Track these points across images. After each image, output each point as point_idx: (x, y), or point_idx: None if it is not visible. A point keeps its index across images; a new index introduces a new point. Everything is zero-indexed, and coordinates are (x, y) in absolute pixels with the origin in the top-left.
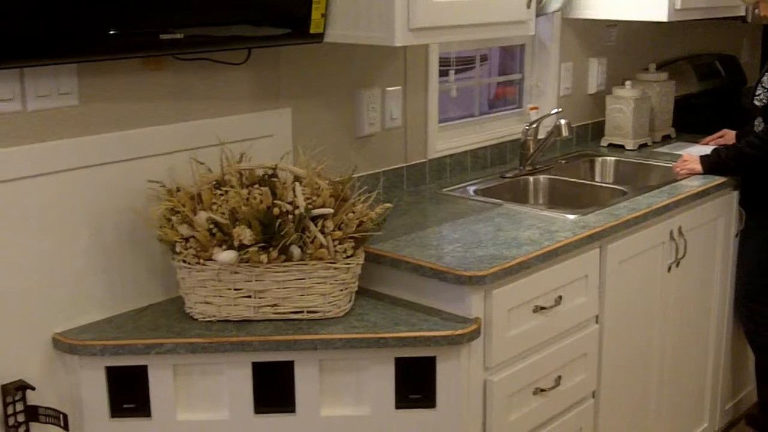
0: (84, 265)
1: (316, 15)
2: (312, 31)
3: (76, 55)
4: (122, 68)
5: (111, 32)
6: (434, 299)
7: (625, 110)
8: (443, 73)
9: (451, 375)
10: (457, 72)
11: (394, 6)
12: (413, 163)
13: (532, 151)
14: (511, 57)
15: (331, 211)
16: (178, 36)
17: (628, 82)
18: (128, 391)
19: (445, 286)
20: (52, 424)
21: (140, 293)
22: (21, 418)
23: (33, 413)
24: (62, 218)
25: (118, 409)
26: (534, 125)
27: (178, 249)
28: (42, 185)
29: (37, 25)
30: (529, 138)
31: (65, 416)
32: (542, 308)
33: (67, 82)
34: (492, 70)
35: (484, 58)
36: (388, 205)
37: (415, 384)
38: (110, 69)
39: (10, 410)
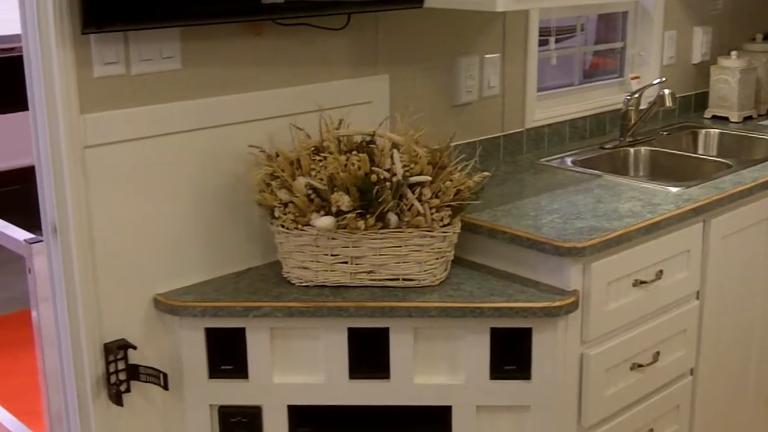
0: (185, 228)
1: None
2: None
3: (178, 19)
4: (224, 33)
5: None
6: (531, 270)
7: (730, 81)
8: (542, 43)
9: (548, 347)
10: (556, 41)
11: None
12: (510, 132)
13: (633, 121)
14: (606, 26)
15: (429, 178)
16: (280, 1)
17: (733, 53)
18: (226, 353)
19: (543, 257)
20: (152, 383)
21: (239, 257)
22: (122, 376)
23: (134, 372)
24: (164, 181)
25: (216, 370)
26: (635, 95)
27: (276, 214)
28: (145, 148)
29: None
30: (630, 108)
31: (165, 375)
32: (642, 282)
33: (169, 46)
34: (588, 40)
35: (574, 29)
36: (487, 173)
37: (510, 355)
38: (212, 34)
39: (112, 368)
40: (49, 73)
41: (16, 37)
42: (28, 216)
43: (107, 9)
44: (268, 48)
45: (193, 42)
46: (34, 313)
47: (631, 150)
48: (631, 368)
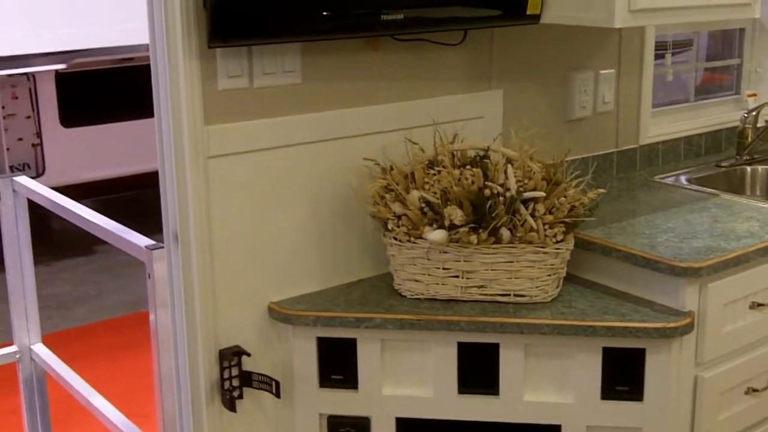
0: (300, 238)
1: None
2: (529, 12)
3: (300, 34)
4: (343, 48)
5: (335, 13)
6: (645, 290)
7: None
8: (656, 57)
9: (661, 369)
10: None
11: None
12: (624, 148)
13: (750, 139)
14: (720, 40)
15: (543, 194)
16: (399, 17)
17: None
18: (337, 362)
19: (657, 276)
20: (264, 390)
21: (351, 268)
22: (236, 382)
23: (247, 378)
24: (282, 191)
25: (326, 379)
26: (753, 113)
27: (390, 226)
28: (264, 159)
29: (266, 6)
30: (747, 126)
31: (277, 383)
32: (759, 305)
33: (291, 60)
34: (699, 54)
35: (689, 43)
36: (601, 190)
37: (622, 375)
38: (332, 49)
39: (226, 374)
40: (175, 85)
41: (135, 48)
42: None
43: (233, 24)
44: (385, 63)
45: (313, 56)
46: (151, 317)
47: (748, 168)
48: (746, 392)
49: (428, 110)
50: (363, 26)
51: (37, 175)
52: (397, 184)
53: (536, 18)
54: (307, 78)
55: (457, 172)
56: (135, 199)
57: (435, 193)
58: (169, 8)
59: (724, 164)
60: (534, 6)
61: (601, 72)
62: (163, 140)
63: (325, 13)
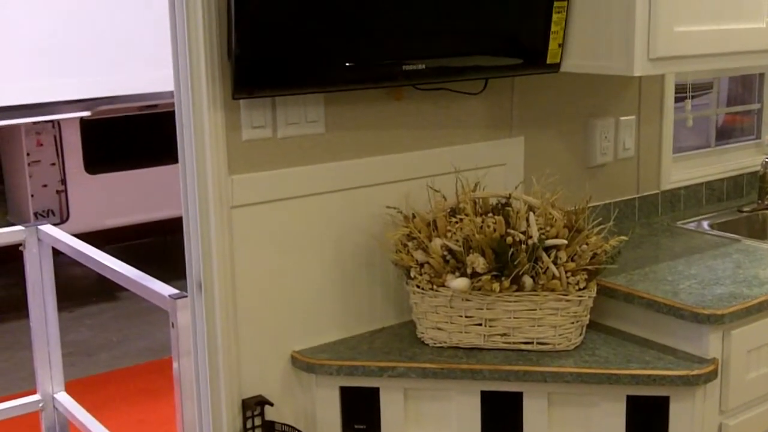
0: (323, 287)
1: (553, 45)
2: (549, 61)
3: (324, 85)
4: (365, 98)
5: (358, 64)
6: (669, 337)
7: None
8: (677, 100)
9: (685, 417)
10: (693, 97)
11: (634, 36)
12: (646, 194)
13: None
14: (740, 82)
15: (565, 242)
16: (421, 67)
17: None
18: (360, 411)
19: (680, 323)
20: None
21: (374, 316)
22: None
23: (270, 428)
24: (305, 240)
25: (350, 429)
26: None
27: (412, 274)
28: (287, 208)
29: (290, 57)
30: None
31: None
32: None
33: (314, 110)
34: (720, 96)
35: (709, 86)
36: (623, 237)
37: (646, 423)
38: (355, 99)
39: (249, 424)
40: (200, 135)
41: (159, 95)
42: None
43: (258, 76)
44: (408, 112)
45: (336, 106)
46: (175, 366)
47: None
48: None
49: (450, 158)
50: (385, 76)
51: (61, 222)
52: (420, 232)
53: (556, 67)
54: (330, 127)
55: (479, 219)
56: (158, 244)
57: (457, 240)
58: (195, 60)
59: (745, 209)
60: (554, 55)
61: (622, 118)
62: (187, 190)
63: (347, 64)
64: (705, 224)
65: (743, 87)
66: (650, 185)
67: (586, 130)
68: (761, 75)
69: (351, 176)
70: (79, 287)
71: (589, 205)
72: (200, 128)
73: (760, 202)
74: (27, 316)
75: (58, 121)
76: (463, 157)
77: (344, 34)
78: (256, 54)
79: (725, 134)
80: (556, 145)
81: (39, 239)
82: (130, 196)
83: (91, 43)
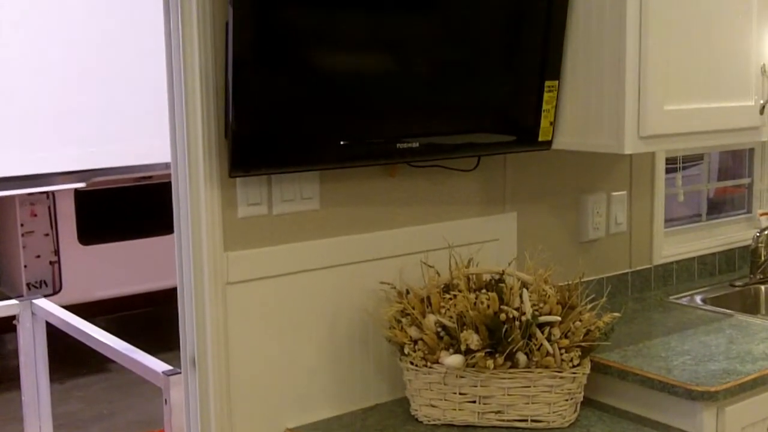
0: (317, 363)
1: (544, 123)
2: (540, 138)
3: (319, 163)
4: (360, 174)
5: (353, 142)
6: (663, 413)
7: None
8: (668, 171)
9: None
10: (683, 168)
11: (624, 114)
12: (638, 268)
13: (763, 258)
14: (729, 154)
15: (558, 319)
16: (415, 145)
17: None
18: None
19: (675, 400)
20: None
21: (368, 392)
22: None
23: None
24: (299, 316)
25: None
26: (765, 232)
27: (406, 351)
28: (282, 285)
29: (286, 137)
30: (760, 245)
31: None
32: None
33: (309, 187)
34: (712, 167)
35: (700, 157)
36: (616, 314)
37: None
38: (349, 176)
39: None
40: (196, 212)
41: (153, 166)
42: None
43: (254, 155)
44: (402, 188)
45: (331, 183)
46: None
47: (762, 288)
48: None
49: (444, 233)
50: (380, 154)
51: (53, 293)
52: (414, 308)
53: (548, 144)
54: (325, 204)
55: (472, 296)
56: (150, 315)
57: (451, 317)
58: (192, 138)
59: (738, 283)
60: (545, 133)
61: (614, 194)
62: (182, 266)
63: (342, 143)
64: (698, 299)
65: (734, 158)
66: (643, 260)
67: (578, 206)
68: (751, 150)
69: (345, 252)
70: (69, 358)
71: (582, 281)
72: (196, 205)
73: (752, 276)
74: (17, 387)
75: (53, 192)
76: (456, 233)
77: (339, 113)
78: (252, 133)
79: (717, 205)
80: (549, 221)
81: (33, 313)
82: (123, 267)
83: (86, 114)
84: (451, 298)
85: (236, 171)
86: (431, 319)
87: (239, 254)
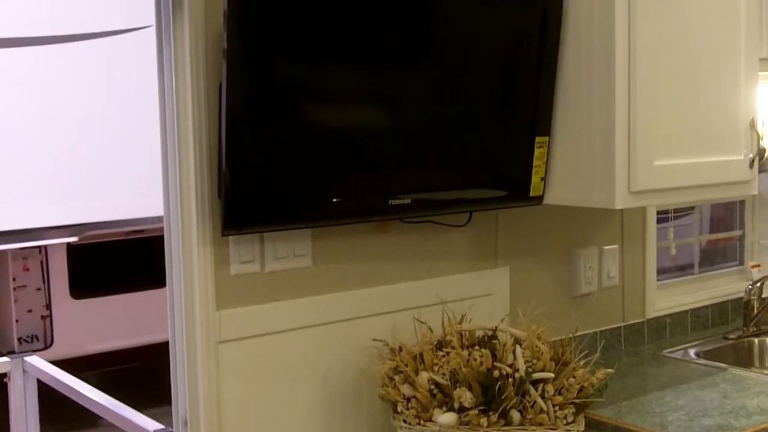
0: (310, 421)
1: (535, 179)
2: (532, 194)
3: (312, 220)
4: (352, 231)
5: (345, 199)
6: None
7: None
8: (660, 220)
9: None
10: (674, 218)
11: (615, 170)
12: (631, 322)
13: (756, 311)
14: (721, 204)
15: (552, 375)
16: (407, 201)
17: None
18: None
19: None
20: None
21: None
22: None
23: None
24: (292, 374)
25: None
26: (757, 284)
27: (399, 408)
28: (274, 343)
29: (279, 195)
30: (752, 297)
31: None
32: None
33: (302, 244)
34: (704, 216)
35: (691, 207)
36: (610, 370)
37: None
38: (342, 232)
39: None
40: (189, 271)
41: (145, 220)
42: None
43: (247, 213)
44: (394, 244)
45: (324, 240)
46: None
47: (756, 340)
48: None
49: (436, 289)
50: (372, 211)
51: (45, 347)
52: (406, 366)
53: (539, 199)
54: (318, 261)
55: (465, 353)
56: (143, 369)
57: (444, 374)
58: (185, 197)
59: (731, 336)
60: (536, 188)
61: (605, 247)
62: (174, 325)
63: (335, 200)
64: (692, 352)
65: (726, 207)
66: (636, 313)
67: (570, 260)
68: (742, 201)
69: (338, 309)
70: (61, 413)
71: (575, 336)
72: (189, 264)
73: (745, 329)
74: None
75: (45, 246)
76: (449, 289)
77: (332, 171)
78: (245, 191)
79: (709, 255)
80: (541, 275)
81: (24, 371)
82: (115, 320)
83: (79, 169)
84: (444, 355)
85: (229, 229)
86: (424, 376)
87: (232, 312)
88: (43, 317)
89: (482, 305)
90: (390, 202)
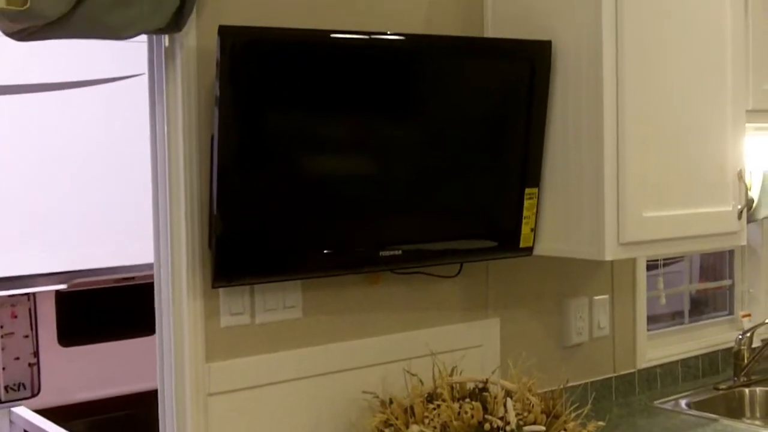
0: None
1: (525, 230)
2: (522, 245)
3: (302, 272)
4: (343, 282)
5: (336, 251)
6: None
7: None
8: (650, 267)
9: None
10: (664, 265)
11: (604, 222)
12: (622, 373)
13: (746, 361)
14: (713, 252)
15: (543, 428)
16: (397, 252)
17: None
18: None
19: None
20: None
21: None
22: None
23: None
24: (281, 426)
25: None
26: (747, 334)
27: None
28: (264, 395)
29: (269, 247)
30: (742, 347)
31: None
32: None
33: (292, 296)
34: (693, 265)
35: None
36: (601, 423)
37: None
38: (332, 284)
39: None
40: (179, 324)
41: (135, 267)
42: None
43: (237, 265)
44: (384, 295)
45: (314, 291)
46: None
47: (746, 391)
48: None
49: (427, 340)
50: (363, 262)
51: (32, 395)
52: (397, 419)
53: (529, 250)
54: (308, 312)
55: (456, 405)
56: (132, 417)
57: (435, 427)
58: (176, 249)
59: (722, 386)
60: (526, 239)
61: (596, 298)
62: (164, 377)
63: (326, 251)
64: (682, 403)
65: (716, 255)
66: (626, 364)
67: (560, 310)
68: (732, 250)
69: (328, 361)
70: None
71: (566, 386)
72: (179, 316)
73: (735, 379)
74: None
75: (34, 293)
76: (439, 340)
77: (323, 222)
78: (236, 243)
79: (699, 303)
80: (532, 326)
81: (11, 421)
82: (104, 368)
83: (68, 216)
84: (434, 408)
85: (219, 282)
86: (415, 429)
87: (221, 365)
88: (30, 365)
89: (473, 356)
90: (381, 253)
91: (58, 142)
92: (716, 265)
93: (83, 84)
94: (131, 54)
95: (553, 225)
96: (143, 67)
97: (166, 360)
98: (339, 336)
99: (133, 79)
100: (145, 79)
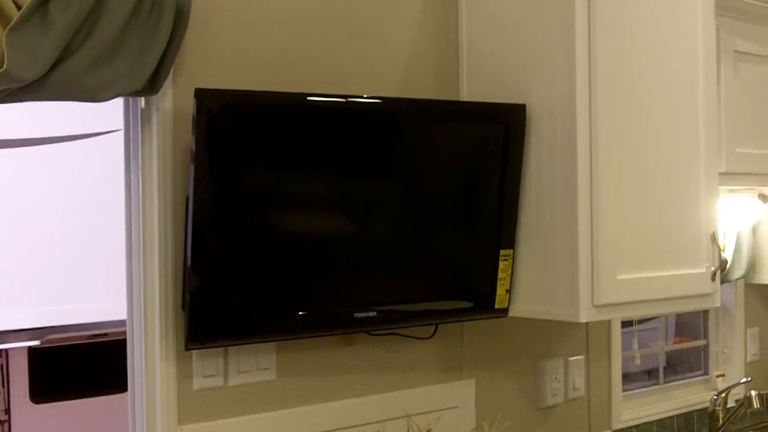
0: None
1: (500, 291)
2: (497, 306)
3: (276, 334)
4: (317, 343)
5: (311, 312)
6: None
7: None
8: (624, 324)
9: None
10: (639, 322)
11: (578, 284)
12: None
13: (721, 421)
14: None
15: None
16: (372, 314)
17: None
18: None
19: None
20: None
21: None
22: None
23: None
24: None
25: None
26: (722, 394)
27: None
28: None
29: (243, 309)
30: (717, 408)
31: None
32: None
33: (266, 357)
34: (669, 322)
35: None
36: None
37: None
38: (307, 345)
39: None
40: (151, 385)
41: (108, 324)
42: None
43: (211, 327)
44: (359, 357)
45: (288, 353)
46: None
47: None
48: None
49: (402, 402)
50: (337, 324)
51: None
52: None
53: (504, 312)
54: (282, 374)
55: None
56: None
57: None
58: (149, 309)
59: None
60: (501, 300)
61: (571, 359)
62: None
63: (300, 313)
64: None
65: (690, 312)
66: (602, 425)
67: (535, 372)
68: (705, 312)
69: (302, 423)
70: None
71: None
72: (152, 378)
73: None
74: None
75: (6, 350)
76: (414, 401)
77: (298, 283)
78: (210, 305)
79: (674, 359)
80: (507, 387)
81: None
82: (76, 426)
83: (41, 273)
84: None
85: (193, 344)
86: None
87: (194, 427)
88: (1, 422)
89: (448, 418)
90: (356, 314)
91: (31, 199)
92: (691, 322)
93: (57, 140)
94: (106, 110)
95: (529, 286)
96: (118, 123)
97: (138, 422)
98: (314, 398)
99: (107, 135)
100: (119, 135)
